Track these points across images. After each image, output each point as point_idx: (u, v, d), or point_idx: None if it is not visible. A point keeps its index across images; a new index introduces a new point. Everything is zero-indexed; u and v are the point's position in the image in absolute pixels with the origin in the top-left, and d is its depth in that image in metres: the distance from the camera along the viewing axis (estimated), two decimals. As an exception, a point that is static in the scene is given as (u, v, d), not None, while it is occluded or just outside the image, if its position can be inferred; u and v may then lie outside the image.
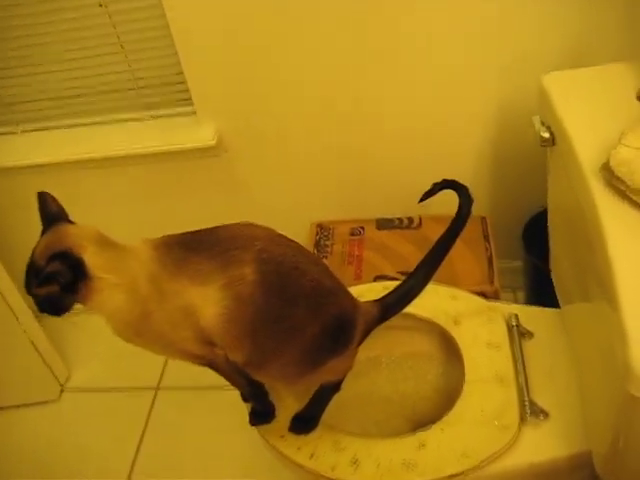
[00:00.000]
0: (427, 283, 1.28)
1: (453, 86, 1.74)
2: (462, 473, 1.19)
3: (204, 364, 1.16)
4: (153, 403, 2.12)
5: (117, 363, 2.23)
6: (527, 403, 1.26)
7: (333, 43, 1.70)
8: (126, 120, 2.05)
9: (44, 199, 1.10)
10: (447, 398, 1.38)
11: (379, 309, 1.24)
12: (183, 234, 1.11)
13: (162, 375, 2.20)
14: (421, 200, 1.27)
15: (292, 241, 1.14)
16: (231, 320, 1.06)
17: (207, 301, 1.05)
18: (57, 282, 0.98)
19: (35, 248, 1.04)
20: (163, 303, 1.05)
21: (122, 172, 2.05)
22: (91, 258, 1.02)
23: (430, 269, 1.27)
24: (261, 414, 1.33)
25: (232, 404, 1.36)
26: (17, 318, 2.02)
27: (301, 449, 1.28)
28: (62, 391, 2.23)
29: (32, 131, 2.12)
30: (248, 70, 1.80)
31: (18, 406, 2.20)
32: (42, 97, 2.05)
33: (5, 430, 2.17)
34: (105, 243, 1.06)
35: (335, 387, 1.27)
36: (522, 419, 1.24)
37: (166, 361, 2.21)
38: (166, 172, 2.03)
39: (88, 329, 2.28)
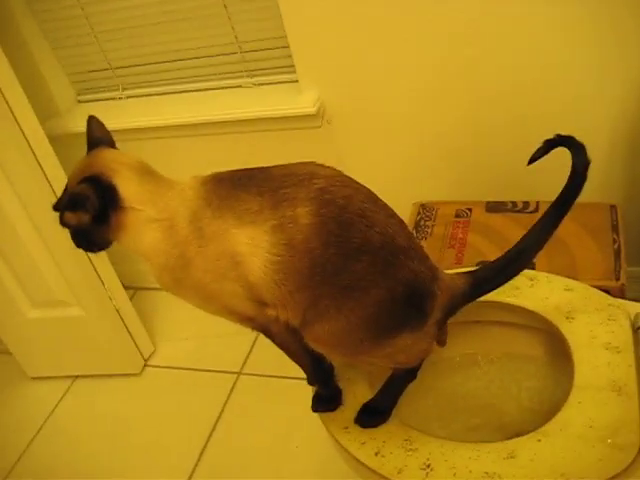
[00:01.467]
0: (531, 259, 1.07)
1: (586, 57, 1.53)
2: (559, 498, 0.96)
3: (257, 328, 1.02)
4: (233, 387, 2.02)
5: (203, 344, 2.19)
6: (652, 421, 1.00)
7: (448, 5, 1.54)
8: (228, 87, 1.99)
9: (93, 123, 1.01)
10: (548, 411, 1.14)
11: (469, 283, 1.04)
12: (234, 170, 0.97)
13: (246, 360, 2.09)
14: (530, 161, 1.04)
15: (363, 186, 0.96)
16: (283, 270, 0.91)
17: (255, 247, 0.90)
18: (86, 208, 0.87)
19: (70, 173, 0.94)
20: (204, 247, 0.91)
21: (220, 138, 1.98)
22: (125, 186, 0.91)
23: (536, 242, 1.06)
24: (325, 399, 1.16)
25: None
26: (104, 284, 1.97)
27: (366, 444, 1.09)
28: (145, 366, 2.18)
29: (135, 97, 2.11)
30: (353, 39, 1.69)
31: (101, 376, 2.18)
32: (146, 62, 2.03)
33: (86, 398, 2.16)
34: (146, 173, 0.94)
35: (409, 375, 1.08)
36: (644, 440, 0.98)
37: (252, 346, 2.12)
38: (265, 140, 1.93)
39: (178, 307, 2.28)
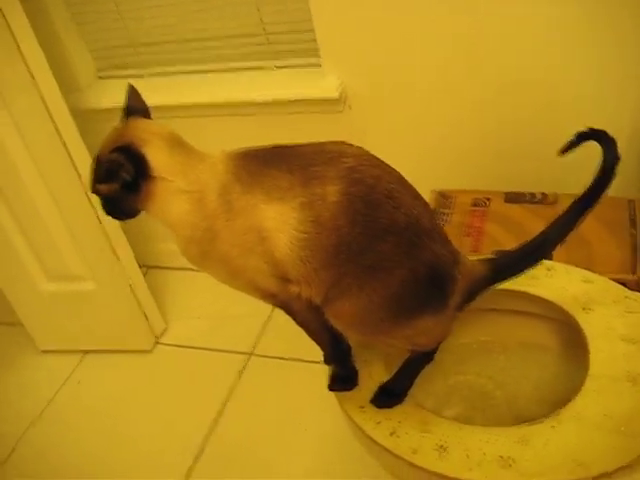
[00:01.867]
0: (552, 250, 1.08)
1: (608, 50, 1.52)
2: (571, 483, 0.97)
3: (279, 305, 1.03)
4: (244, 368, 2.03)
5: (215, 324, 2.20)
6: (666, 413, 1.01)
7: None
8: (251, 68, 1.99)
9: (130, 92, 1.02)
10: (561, 400, 1.15)
11: (490, 268, 1.05)
12: (265, 147, 0.97)
13: (258, 341, 2.10)
14: (563, 151, 1.04)
15: (391, 167, 0.97)
16: (309, 247, 0.91)
17: (283, 223, 0.91)
18: (117, 177, 0.88)
19: (102, 142, 0.95)
20: (232, 221, 0.92)
21: (240, 120, 1.98)
22: (156, 156, 0.91)
23: (559, 233, 1.07)
24: (342, 379, 1.17)
25: (324, 381, 1.21)
26: (120, 260, 1.98)
27: (381, 424, 1.10)
28: (156, 343, 2.19)
29: (156, 75, 2.11)
30: (377, 26, 1.69)
31: (112, 351, 2.19)
32: (168, 40, 2.03)
33: (96, 373, 2.17)
34: (178, 145, 0.95)
35: (427, 357, 1.09)
36: (657, 431, 0.99)
37: (264, 327, 2.12)
38: (286, 123, 1.92)
39: (191, 286, 2.31)
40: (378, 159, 0.98)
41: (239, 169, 0.95)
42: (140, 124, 0.98)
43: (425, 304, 0.98)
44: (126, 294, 2.06)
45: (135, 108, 1.01)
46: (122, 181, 0.90)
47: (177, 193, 0.93)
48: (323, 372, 1.22)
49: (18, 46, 1.64)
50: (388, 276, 0.94)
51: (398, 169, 1.02)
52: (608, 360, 1.11)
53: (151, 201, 0.94)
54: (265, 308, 2.04)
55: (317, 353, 1.19)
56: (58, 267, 2.05)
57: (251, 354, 2.07)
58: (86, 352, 2.23)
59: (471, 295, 1.04)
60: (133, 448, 1.88)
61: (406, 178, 1.02)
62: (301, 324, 1.07)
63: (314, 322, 1.05)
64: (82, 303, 2.11)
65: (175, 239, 0.98)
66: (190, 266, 1.01)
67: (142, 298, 2.11)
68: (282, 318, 1.08)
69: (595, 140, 1.02)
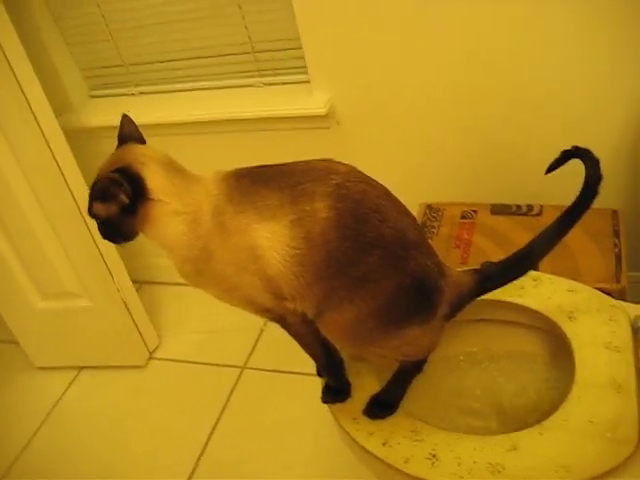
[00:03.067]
0: (537, 262, 1.11)
1: (594, 61, 1.55)
2: (559, 488, 1.00)
3: (274, 319, 1.05)
4: (237, 382, 2.05)
5: (207, 338, 2.22)
6: (650, 418, 1.04)
7: (459, 8, 1.57)
8: (239, 86, 2.02)
9: (125, 120, 1.06)
10: (548, 408, 1.17)
11: (475, 280, 1.08)
12: (255, 167, 1.00)
13: (251, 354, 2.12)
14: (548, 170, 1.08)
15: (378, 183, 1.00)
16: (301, 263, 0.94)
17: (275, 241, 0.93)
18: (115, 197, 0.90)
19: (100, 166, 0.97)
20: (226, 241, 0.95)
21: (229, 137, 2.01)
22: (153, 179, 0.94)
23: (545, 246, 1.10)
24: (335, 391, 1.19)
25: (317, 392, 1.23)
26: (113, 277, 2.00)
27: (374, 435, 1.13)
28: (150, 358, 2.21)
29: (147, 93, 2.14)
30: (365, 42, 1.72)
31: (107, 367, 2.20)
32: (158, 59, 2.06)
33: (89, 389, 2.19)
34: (172, 168, 0.98)
35: (416, 367, 1.12)
36: (642, 436, 1.02)
37: (257, 340, 2.15)
38: (274, 139, 1.96)
39: (184, 301, 2.33)
40: (365, 175, 1.01)
41: (231, 189, 0.98)
42: (137, 149, 1.01)
43: (413, 314, 1.01)
44: (120, 310, 2.07)
45: (130, 135, 1.04)
46: (120, 203, 0.93)
47: (173, 215, 0.96)
48: (316, 384, 1.24)
49: (11, 67, 1.66)
50: (376, 287, 0.97)
51: (386, 183, 1.05)
52: (593, 368, 1.14)
53: (148, 223, 0.97)
54: (257, 322, 2.10)
55: (310, 366, 1.21)
56: (52, 285, 2.07)
57: (244, 367, 2.08)
58: (81, 368, 2.25)
59: (458, 306, 1.07)
60: (128, 464, 1.89)
61: (394, 192, 1.05)
62: (295, 336, 1.09)
63: (308, 335, 1.07)
64: (76, 320, 2.13)
65: (171, 259, 1.01)
66: (182, 281, 1.03)
67: (135, 314, 2.12)
68: (274, 332, 1.10)
69: (579, 158, 1.06)
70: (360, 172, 1.01)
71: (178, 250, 0.98)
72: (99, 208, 0.95)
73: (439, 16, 1.61)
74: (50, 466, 1.96)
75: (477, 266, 1.45)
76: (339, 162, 1.01)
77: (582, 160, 1.06)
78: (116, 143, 1.04)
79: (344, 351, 1.18)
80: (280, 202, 0.94)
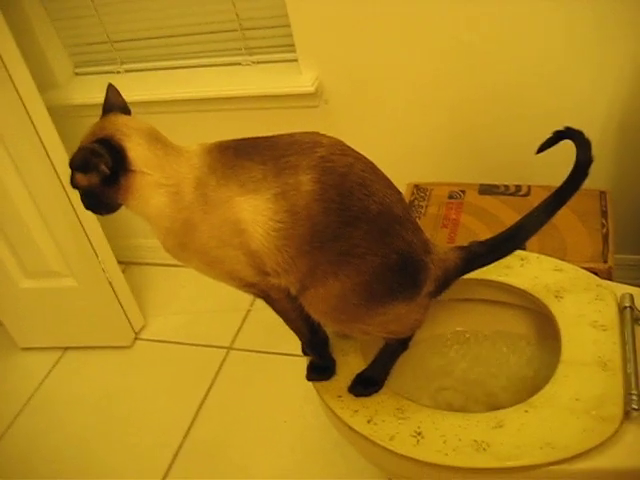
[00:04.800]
0: (525, 241, 1.10)
1: (578, 37, 1.54)
2: (543, 465, 0.99)
3: (258, 294, 1.04)
4: (223, 362, 2.04)
5: (193, 318, 2.21)
6: (635, 396, 1.03)
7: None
8: (227, 64, 1.99)
9: (110, 90, 1.04)
10: (534, 387, 1.17)
11: (462, 257, 1.07)
12: (239, 139, 0.99)
13: (237, 335, 2.10)
14: (539, 150, 1.07)
15: (364, 156, 0.99)
16: (285, 237, 0.93)
17: (258, 215, 0.92)
18: (96, 168, 0.89)
19: (82, 136, 0.96)
20: (209, 213, 0.93)
21: (217, 115, 1.98)
22: (135, 150, 0.92)
23: (533, 226, 1.09)
24: (319, 368, 1.19)
25: (303, 373, 1.22)
26: (98, 257, 1.98)
27: (358, 412, 1.12)
28: (136, 339, 2.19)
29: (133, 71, 2.11)
30: (354, 21, 1.70)
31: (92, 347, 2.19)
32: (145, 36, 2.03)
33: (75, 369, 2.17)
34: (156, 139, 0.96)
35: (402, 345, 1.11)
36: (626, 413, 1.02)
37: (243, 321, 2.13)
38: (262, 118, 1.91)
39: (170, 282, 2.32)
40: (351, 148, 0.99)
41: (214, 162, 0.96)
42: (120, 119, 0.99)
43: (398, 291, 1.00)
44: (105, 290, 2.05)
45: (114, 105, 1.03)
46: (101, 174, 0.91)
47: (155, 186, 0.94)
48: (301, 364, 1.23)
49: (-7, 42, 1.63)
50: (361, 262, 0.95)
51: (376, 162, 1.04)
52: (579, 346, 1.14)
53: (130, 194, 0.95)
54: (244, 303, 2.09)
55: (295, 346, 1.21)
56: (36, 264, 2.04)
57: (230, 348, 2.07)
58: (66, 349, 2.23)
59: (444, 283, 1.06)
60: (112, 444, 1.88)
61: (383, 170, 1.04)
62: (279, 313, 1.08)
63: (292, 311, 1.06)
64: (61, 300, 2.11)
65: (154, 232, 0.99)
66: (168, 262, 1.02)
67: (121, 294, 2.10)
68: (261, 312, 1.09)
69: (571, 139, 1.04)
70: (346, 145, 1.00)
71: (160, 222, 0.97)
72: (80, 179, 0.94)
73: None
74: (33, 447, 1.94)
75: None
76: (324, 135, 0.99)
77: (574, 141, 1.04)
78: (101, 118, 1.02)
79: (329, 328, 1.17)
80: (264, 175, 0.93)
